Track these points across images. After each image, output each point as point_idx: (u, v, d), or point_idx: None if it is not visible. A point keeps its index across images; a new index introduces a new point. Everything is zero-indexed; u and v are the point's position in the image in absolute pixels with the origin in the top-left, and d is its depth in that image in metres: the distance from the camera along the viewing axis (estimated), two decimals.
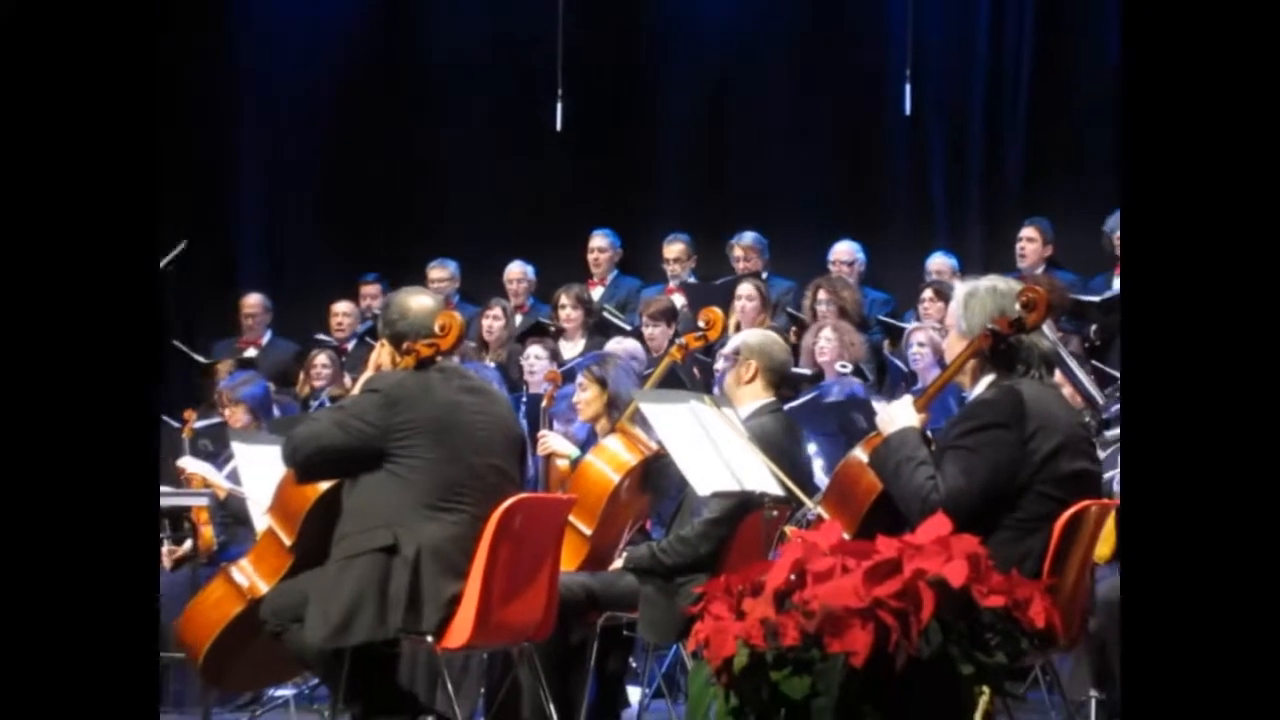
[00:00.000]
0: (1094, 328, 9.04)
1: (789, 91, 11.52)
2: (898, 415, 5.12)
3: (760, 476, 5.45)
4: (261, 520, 6.11)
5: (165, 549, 8.39)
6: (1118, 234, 9.35)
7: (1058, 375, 5.88)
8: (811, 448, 7.21)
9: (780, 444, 6.03)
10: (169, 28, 12.04)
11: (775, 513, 5.63)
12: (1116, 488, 6.59)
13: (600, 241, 10.80)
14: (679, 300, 10.05)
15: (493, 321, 10.00)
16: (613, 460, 6.51)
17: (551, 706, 5.97)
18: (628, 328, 9.80)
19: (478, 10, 12.00)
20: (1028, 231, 9.66)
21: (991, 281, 5.25)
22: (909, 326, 9.12)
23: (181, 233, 12.27)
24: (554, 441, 7.40)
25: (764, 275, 9.94)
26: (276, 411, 9.34)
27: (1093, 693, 6.16)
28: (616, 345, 9.04)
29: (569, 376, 8.19)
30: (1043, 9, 11.11)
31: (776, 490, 5.45)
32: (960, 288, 5.31)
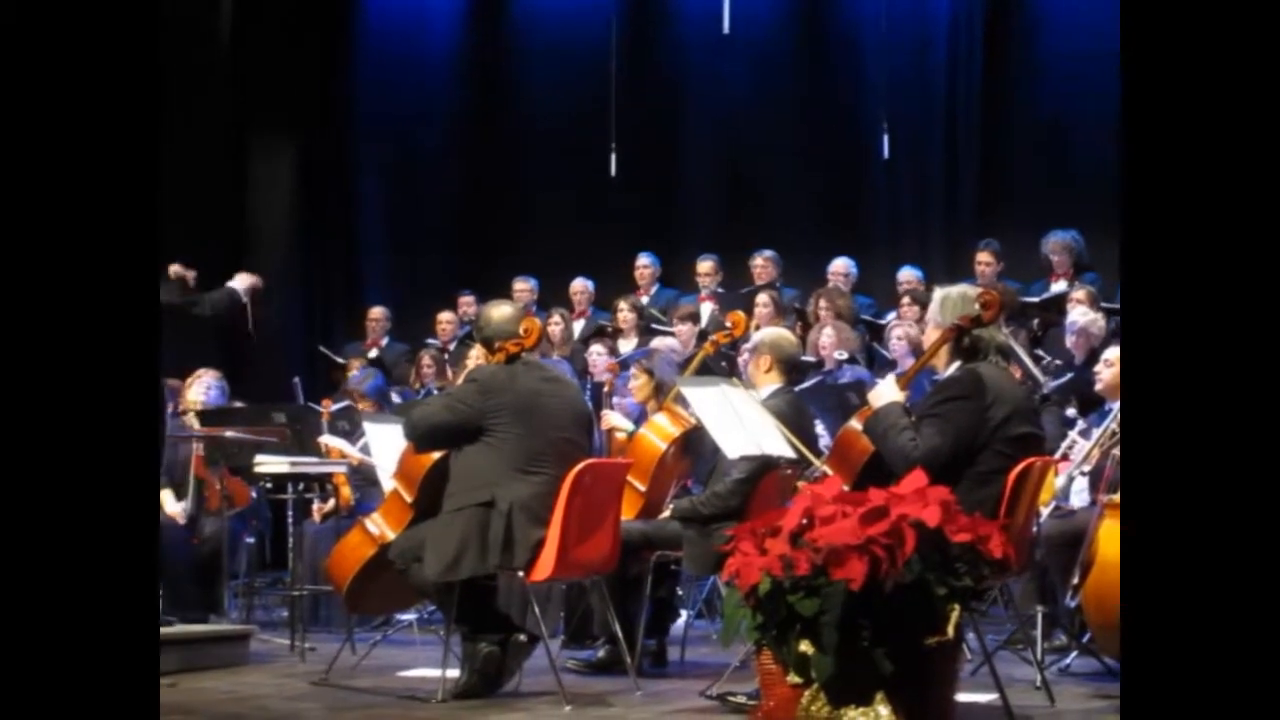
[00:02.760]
0: (1035, 322, 9.02)
1: (795, 141, 11.50)
2: (884, 392, 5.12)
3: (777, 443, 5.43)
4: (388, 482, 6.11)
5: (315, 505, 8.44)
6: (1053, 255, 9.31)
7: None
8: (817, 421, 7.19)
9: (792, 418, 6.00)
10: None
11: (789, 471, 5.63)
12: (1060, 449, 6.58)
13: (645, 260, 10.78)
14: (709, 307, 10.04)
15: (554, 326, 9.99)
16: (660, 432, 6.50)
17: (616, 624, 5.98)
18: (669, 328, 9.79)
19: (553, 86, 12.03)
20: (983, 255, 9.55)
21: (960, 288, 5.28)
22: (888, 323, 9.10)
23: (331, 265, 12.46)
24: (614, 418, 7.40)
25: (777, 285, 9.90)
26: (396, 398, 9.37)
27: (1039, 607, 6.13)
28: (659, 342, 9.02)
29: (624, 366, 8.17)
30: (988, 76, 11.08)
31: (790, 454, 5.44)
32: (938, 292, 5.33)
